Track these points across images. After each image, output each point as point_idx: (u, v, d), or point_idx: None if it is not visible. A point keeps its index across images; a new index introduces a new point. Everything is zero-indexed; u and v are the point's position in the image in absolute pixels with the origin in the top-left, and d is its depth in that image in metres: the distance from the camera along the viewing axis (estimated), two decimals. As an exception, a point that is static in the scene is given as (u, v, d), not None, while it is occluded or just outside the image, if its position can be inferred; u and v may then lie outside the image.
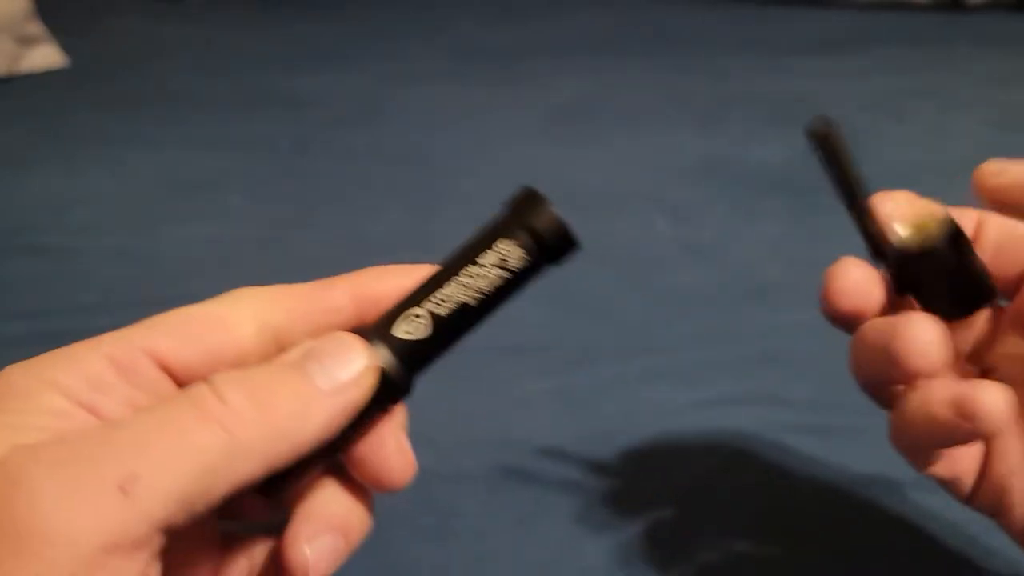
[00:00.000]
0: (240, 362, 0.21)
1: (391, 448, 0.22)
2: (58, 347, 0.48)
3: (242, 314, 0.22)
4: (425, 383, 0.45)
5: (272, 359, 0.21)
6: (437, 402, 0.41)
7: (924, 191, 0.68)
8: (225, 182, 0.65)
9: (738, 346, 0.45)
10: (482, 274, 0.22)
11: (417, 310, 0.22)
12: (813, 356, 0.40)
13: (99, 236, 0.58)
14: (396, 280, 0.23)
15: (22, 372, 0.20)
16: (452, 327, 0.22)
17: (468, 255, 0.22)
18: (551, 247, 0.23)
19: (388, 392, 0.21)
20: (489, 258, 0.22)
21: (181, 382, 0.21)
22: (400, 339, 0.22)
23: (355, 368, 0.21)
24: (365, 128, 0.76)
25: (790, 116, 0.76)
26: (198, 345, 0.21)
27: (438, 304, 0.22)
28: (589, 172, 0.67)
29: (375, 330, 0.22)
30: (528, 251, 0.23)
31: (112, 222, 0.60)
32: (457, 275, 0.22)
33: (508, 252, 0.22)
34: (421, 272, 0.23)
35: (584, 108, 0.80)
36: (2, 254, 0.56)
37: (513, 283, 0.23)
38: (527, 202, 0.23)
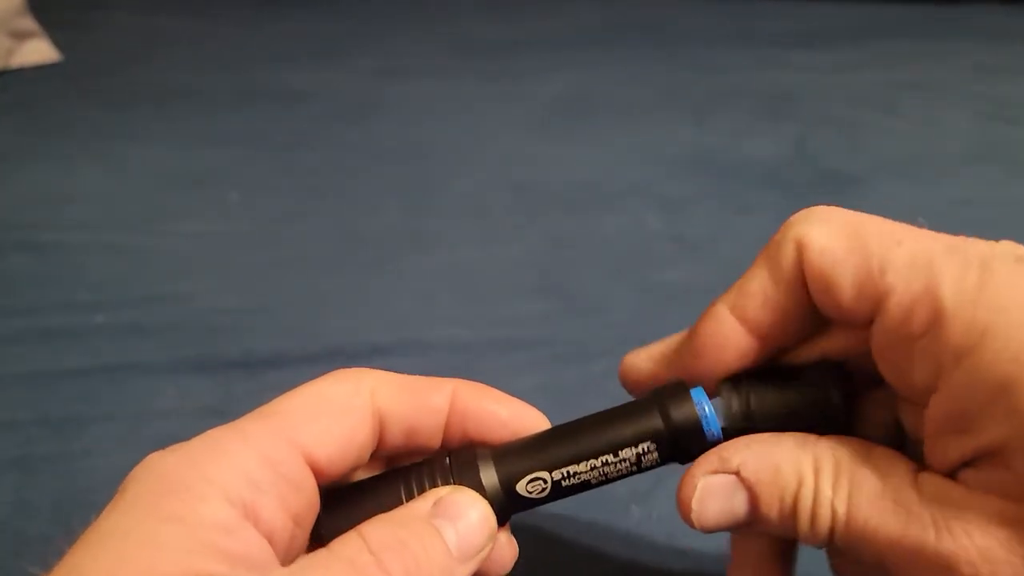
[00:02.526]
0: (363, 448, 0.23)
1: (501, 543, 0.24)
2: (55, 345, 0.48)
3: (364, 398, 0.23)
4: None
5: (406, 510, 0.22)
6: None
7: (915, 183, 0.69)
8: (221, 178, 0.65)
9: (729, 340, 0.46)
10: (614, 464, 0.23)
11: (544, 475, 0.23)
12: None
13: (94, 232, 0.58)
14: (499, 409, 0.24)
15: (177, 464, 0.20)
16: (566, 494, 0.24)
17: (609, 443, 0.23)
18: (689, 454, 0.24)
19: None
20: (627, 453, 0.23)
21: (318, 471, 0.22)
22: (518, 493, 0.23)
23: (483, 541, 0.22)
24: (361, 123, 0.76)
25: (781, 110, 0.76)
26: (334, 434, 0.22)
27: (565, 477, 0.23)
28: (581, 166, 0.67)
29: (500, 476, 0.23)
30: (665, 456, 0.23)
31: (107, 218, 0.60)
32: (594, 457, 0.23)
33: (648, 454, 0.23)
34: (527, 415, 0.24)
35: (577, 102, 0.80)
36: (-4, 250, 0.56)
37: (637, 473, 0.24)
38: (677, 402, 0.23)
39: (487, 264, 0.54)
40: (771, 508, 0.22)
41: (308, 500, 0.22)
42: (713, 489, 0.23)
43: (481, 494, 0.23)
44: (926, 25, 0.99)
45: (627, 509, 0.35)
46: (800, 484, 0.22)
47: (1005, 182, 0.63)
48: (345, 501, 0.23)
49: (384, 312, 0.49)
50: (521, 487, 0.23)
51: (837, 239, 0.23)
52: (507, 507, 0.23)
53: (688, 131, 0.73)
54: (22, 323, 0.48)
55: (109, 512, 0.19)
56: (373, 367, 0.45)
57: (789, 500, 0.22)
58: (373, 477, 0.24)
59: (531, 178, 0.65)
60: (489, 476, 0.23)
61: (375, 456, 0.24)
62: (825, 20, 1.02)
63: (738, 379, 0.24)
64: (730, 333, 0.24)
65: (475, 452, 0.23)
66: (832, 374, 0.24)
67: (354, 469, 0.24)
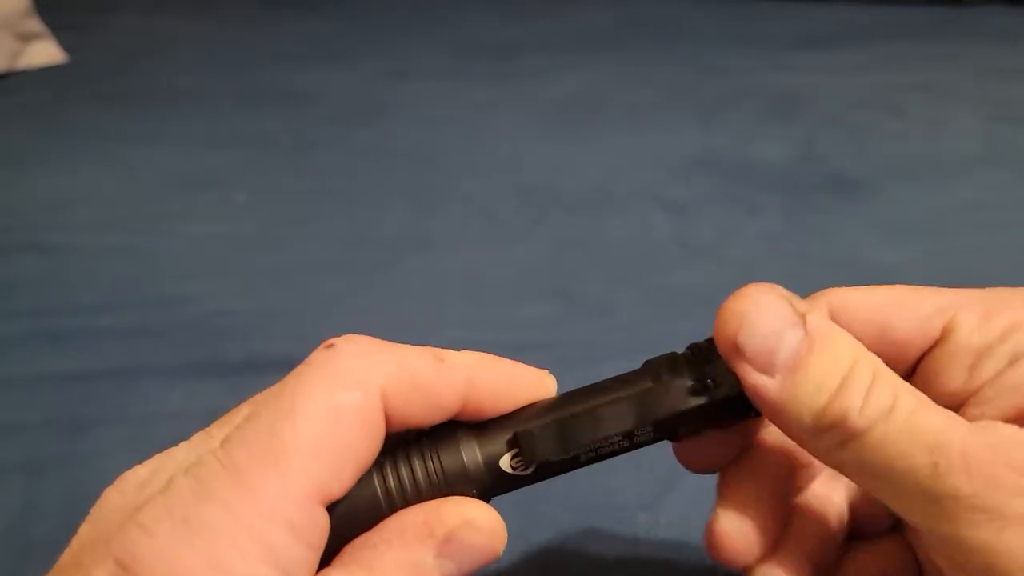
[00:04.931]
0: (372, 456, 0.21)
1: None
2: (62, 347, 0.48)
3: (376, 412, 0.21)
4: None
5: (415, 545, 0.20)
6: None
7: (922, 185, 0.69)
8: (227, 179, 0.65)
9: (736, 343, 0.46)
10: (606, 442, 0.22)
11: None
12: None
13: (100, 234, 0.58)
14: (514, 389, 0.23)
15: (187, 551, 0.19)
16: (553, 472, 0.22)
17: (602, 426, 0.22)
18: (680, 432, 0.23)
19: None
20: (621, 434, 0.22)
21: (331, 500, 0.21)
22: (501, 470, 0.22)
23: (488, 561, 0.21)
24: (366, 124, 0.76)
25: (789, 112, 0.76)
26: (349, 467, 0.20)
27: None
28: (588, 168, 0.67)
29: (483, 454, 0.22)
30: (658, 434, 0.23)
31: (113, 219, 0.60)
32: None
33: (643, 434, 0.22)
34: (538, 384, 0.23)
35: (583, 104, 0.80)
36: (2, 252, 0.56)
37: (629, 450, 0.23)
38: (674, 379, 0.23)
39: (493, 266, 0.54)
40: (821, 362, 0.20)
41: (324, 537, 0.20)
42: (774, 307, 0.21)
43: (462, 474, 0.21)
44: (934, 27, 0.99)
45: (634, 516, 0.34)
46: (858, 359, 0.20)
47: (1014, 184, 0.63)
48: None
49: (391, 314, 0.49)
50: (504, 463, 0.22)
51: None
52: (490, 487, 0.22)
53: (695, 133, 0.73)
54: (29, 325, 0.48)
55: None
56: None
57: (845, 364, 0.20)
58: None
59: (538, 180, 0.65)
60: (471, 454, 0.21)
61: None
62: (833, 22, 1.01)
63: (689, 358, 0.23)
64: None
65: (456, 431, 0.22)
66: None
67: None
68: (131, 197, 0.63)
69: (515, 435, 0.22)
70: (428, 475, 0.21)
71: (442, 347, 0.48)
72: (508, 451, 0.22)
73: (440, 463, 0.21)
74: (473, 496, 0.21)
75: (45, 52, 0.93)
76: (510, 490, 0.22)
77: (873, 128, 0.73)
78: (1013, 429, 0.19)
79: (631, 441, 0.22)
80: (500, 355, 0.45)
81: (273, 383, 0.44)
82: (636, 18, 1.07)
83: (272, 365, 0.44)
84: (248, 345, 0.46)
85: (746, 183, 0.64)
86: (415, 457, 0.21)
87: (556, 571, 0.33)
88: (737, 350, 0.21)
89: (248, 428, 0.19)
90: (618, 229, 0.58)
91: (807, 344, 0.21)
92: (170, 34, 1.04)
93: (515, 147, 0.71)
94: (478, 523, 0.20)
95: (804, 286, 0.56)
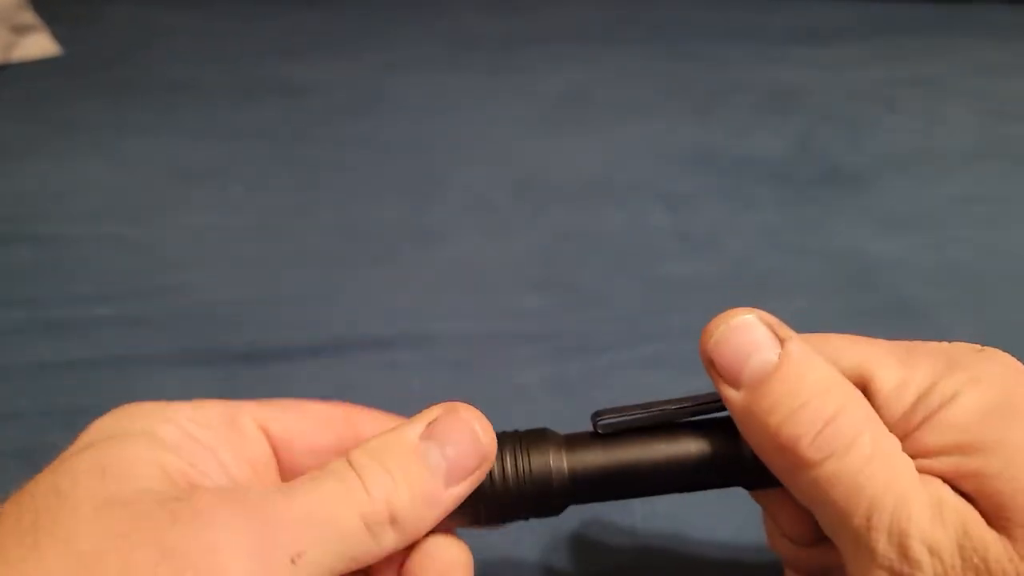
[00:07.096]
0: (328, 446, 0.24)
1: (440, 545, 0.23)
2: (59, 337, 0.48)
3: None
4: (425, 371, 0.45)
5: (402, 427, 0.22)
6: (435, 389, 0.42)
7: (917, 179, 0.69)
8: (223, 171, 0.65)
9: (733, 334, 0.46)
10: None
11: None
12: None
13: (96, 225, 0.58)
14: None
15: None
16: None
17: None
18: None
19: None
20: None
21: (274, 442, 0.24)
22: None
23: (474, 463, 0.22)
24: (363, 117, 0.76)
25: (785, 106, 0.76)
26: (297, 424, 0.24)
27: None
28: (585, 161, 0.67)
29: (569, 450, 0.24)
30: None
31: (109, 211, 0.60)
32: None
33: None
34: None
35: (581, 97, 0.80)
36: (-2, 242, 0.56)
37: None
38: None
39: (490, 258, 0.54)
40: (782, 385, 0.21)
41: (262, 453, 0.24)
42: (747, 327, 0.22)
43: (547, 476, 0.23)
44: (929, 22, 0.99)
45: (630, 505, 0.35)
46: (829, 390, 0.21)
47: (1007, 178, 0.63)
48: None
49: (388, 305, 0.49)
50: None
51: None
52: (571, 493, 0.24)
53: (691, 127, 0.73)
54: (25, 315, 0.48)
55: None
56: (377, 359, 0.45)
57: (808, 391, 0.21)
58: None
59: (534, 173, 0.65)
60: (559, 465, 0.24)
61: None
62: (829, 17, 1.02)
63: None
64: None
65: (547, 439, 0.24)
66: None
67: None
68: (127, 188, 0.63)
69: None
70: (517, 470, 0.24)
71: (440, 338, 0.48)
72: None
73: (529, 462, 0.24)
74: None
75: (39, 44, 0.93)
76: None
77: (869, 122, 0.73)
78: (952, 495, 0.20)
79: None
80: (497, 346, 0.45)
81: (270, 372, 0.44)
82: (633, 12, 1.07)
83: (269, 354, 0.44)
84: (245, 335, 0.46)
85: (743, 176, 0.64)
86: (508, 452, 0.24)
87: (551, 560, 0.33)
88: (709, 362, 0.23)
89: None
90: (615, 221, 0.58)
91: (775, 366, 0.22)
92: (165, 26, 1.04)
93: (512, 139, 0.71)
94: (459, 410, 0.22)
95: (800, 278, 0.56)
